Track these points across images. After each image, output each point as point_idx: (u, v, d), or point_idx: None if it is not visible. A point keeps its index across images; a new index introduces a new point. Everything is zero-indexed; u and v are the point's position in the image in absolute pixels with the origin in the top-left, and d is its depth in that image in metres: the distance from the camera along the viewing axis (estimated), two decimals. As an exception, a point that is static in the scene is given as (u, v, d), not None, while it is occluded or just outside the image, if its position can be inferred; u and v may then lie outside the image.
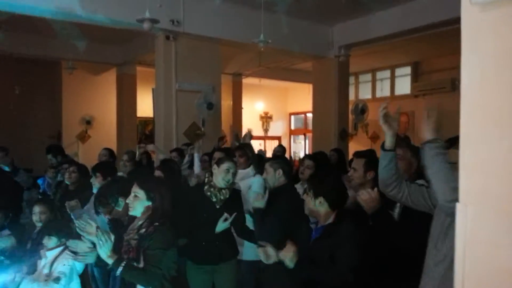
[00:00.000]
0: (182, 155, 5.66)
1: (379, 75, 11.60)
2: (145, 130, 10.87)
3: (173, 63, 6.43)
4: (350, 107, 8.39)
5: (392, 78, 11.27)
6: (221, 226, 3.00)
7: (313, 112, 8.70)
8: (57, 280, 2.66)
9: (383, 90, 11.54)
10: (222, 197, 3.11)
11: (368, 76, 11.79)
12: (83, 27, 6.59)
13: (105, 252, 2.20)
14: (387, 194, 2.23)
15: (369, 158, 2.66)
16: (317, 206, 2.35)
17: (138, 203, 2.44)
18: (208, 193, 3.12)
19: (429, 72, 10.46)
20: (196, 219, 3.11)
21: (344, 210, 2.42)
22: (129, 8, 5.62)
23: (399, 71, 11.13)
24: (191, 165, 5.14)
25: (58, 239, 2.86)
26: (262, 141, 13.63)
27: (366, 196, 2.33)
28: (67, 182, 4.46)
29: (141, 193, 2.44)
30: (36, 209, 3.36)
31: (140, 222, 2.48)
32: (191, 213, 3.14)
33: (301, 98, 13.19)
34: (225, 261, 3.14)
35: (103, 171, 3.62)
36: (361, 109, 8.15)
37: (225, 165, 3.14)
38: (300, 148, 14.24)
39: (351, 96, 9.98)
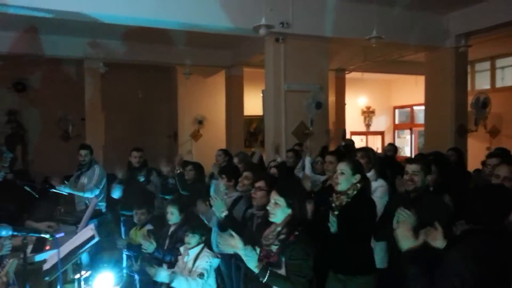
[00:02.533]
0: (297, 155, 5.77)
1: (499, 62, 10.48)
2: (250, 128, 11.27)
3: (282, 64, 6.55)
4: (469, 100, 7.74)
5: (516, 66, 10.13)
6: None
7: (426, 106, 8.21)
8: (201, 276, 2.91)
9: (504, 79, 10.43)
10: (337, 203, 3.00)
11: (486, 65, 10.72)
12: (196, 34, 7.05)
13: (253, 265, 2.35)
14: None
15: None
16: None
17: (279, 210, 2.52)
18: (330, 198, 3.09)
19: (562, 58, 9.19)
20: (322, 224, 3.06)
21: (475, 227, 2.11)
22: (242, 15, 5.87)
23: (524, 58, 9.95)
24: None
25: (200, 236, 3.10)
26: (363, 137, 13.27)
27: None
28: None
29: (281, 200, 2.52)
30: (170, 208, 3.64)
31: (278, 229, 2.57)
32: (317, 217, 3.15)
33: (407, 90, 12.55)
34: (354, 274, 2.94)
35: (228, 173, 3.84)
36: (483, 103, 7.46)
37: (338, 168, 3.07)
38: (405, 143, 13.56)
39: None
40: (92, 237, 2.37)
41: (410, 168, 2.97)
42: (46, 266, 2.37)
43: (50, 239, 2.33)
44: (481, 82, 10.89)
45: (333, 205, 3.02)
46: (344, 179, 2.97)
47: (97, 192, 4.98)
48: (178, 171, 4.83)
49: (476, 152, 7.63)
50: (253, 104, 10.17)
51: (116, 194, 5.05)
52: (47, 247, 3.00)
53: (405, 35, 7.01)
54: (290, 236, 2.46)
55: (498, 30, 7.23)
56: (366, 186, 3.10)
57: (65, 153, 9.85)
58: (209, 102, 10.55)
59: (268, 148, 6.69)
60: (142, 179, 5.05)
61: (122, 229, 4.99)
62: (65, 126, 9.93)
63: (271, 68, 6.64)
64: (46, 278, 2.27)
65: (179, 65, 9.65)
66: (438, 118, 7.71)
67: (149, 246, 3.36)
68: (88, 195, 4.90)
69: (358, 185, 2.99)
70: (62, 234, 2.80)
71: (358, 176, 2.99)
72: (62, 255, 2.24)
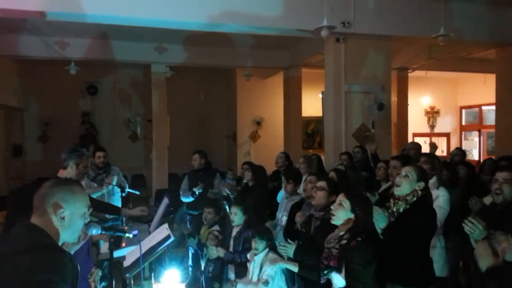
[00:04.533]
0: (351, 158, 5.69)
1: None
2: (307, 129, 11.23)
3: (342, 65, 6.43)
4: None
5: None
6: None
7: (497, 106, 7.71)
8: (266, 283, 2.94)
9: None
10: (395, 209, 2.83)
11: None
12: (255, 37, 7.16)
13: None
14: None
15: None
16: None
17: (341, 212, 2.53)
18: (387, 204, 2.94)
19: None
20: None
21: None
22: (302, 16, 5.87)
23: None
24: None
25: (267, 241, 3.17)
26: (427, 139, 12.70)
27: None
28: (245, 180, 5.02)
29: (346, 204, 2.52)
30: (234, 209, 3.70)
31: (341, 233, 2.57)
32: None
33: (474, 89, 11.87)
34: (412, 285, 2.77)
35: (294, 177, 3.89)
36: (562, 103, 6.89)
37: (403, 170, 2.90)
38: (473, 145, 12.81)
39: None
40: (168, 237, 2.50)
41: (500, 176, 2.71)
42: (126, 263, 2.53)
43: (127, 236, 2.47)
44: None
45: (390, 211, 2.85)
46: (406, 183, 2.79)
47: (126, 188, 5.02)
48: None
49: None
50: (310, 105, 10.13)
51: (185, 199, 5.25)
52: (123, 244, 3.20)
53: (475, 32, 6.63)
54: (352, 241, 2.46)
55: None
56: (428, 196, 2.90)
57: (133, 153, 10.50)
58: (267, 103, 10.66)
59: (329, 151, 6.64)
60: (198, 191, 5.04)
61: (189, 227, 5.20)
62: (133, 127, 10.54)
63: (331, 69, 6.56)
64: (127, 275, 2.43)
65: (238, 67, 9.86)
66: (511, 119, 7.22)
67: (215, 254, 3.49)
68: (124, 193, 4.91)
69: (419, 192, 2.80)
70: (136, 232, 2.98)
71: (422, 184, 2.80)
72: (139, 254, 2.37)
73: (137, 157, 10.46)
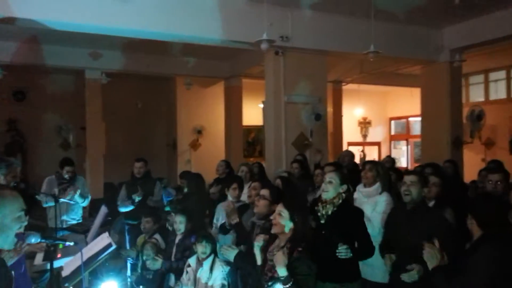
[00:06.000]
0: (303, 166, 5.81)
1: (493, 76, 10.71)
2: (248, 138, 11.37)
3: (281, 77, 6.66)
4: (464, 113, 7.92)
5: (508, 79, 10.34)
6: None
7: (422, 118, 8.37)
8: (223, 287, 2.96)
9: (498, 92, 10.64)
10: (324, 212, 3.04)
11: (480, 78, 10.94)
12: (195, 46, 7.15)
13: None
14: None
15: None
16: (470, 225, 2.38)
17: (281, 222, 2.58)
18: (316, 207, 3.12)
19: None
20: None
21: (496, 231, 2.30)
22: (242, 29, 6.01)
23: (517, 71, 10.17)
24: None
25: (212, 245, 3.17)
26: (360, 147, 13.41)
27: None
28: (186, 190, 5.01)
29: (285, 213, 2.59)
30: (178, 218, 3.68)
31: (282, 244, 2.63)
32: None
33: (402, 102, 12.75)
34: (342, 281, 2.96)
35: (239, 183, 3.95)
36: (477, 116, 7.64)
37: (327, 176, 3.13)
38: (401, 154, 13.73)
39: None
40: (109, 245, 2.43)
41: (408, 179, 3.06)
42: (65, 273, 2.42)
43: (67, 245, 2.37)
44: (475, 94, 11.10)
45: (319, 214, 3.07)
46: (332, 188, 3.05)
47: (89, 199, 4.99)
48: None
49: (471, 164, 7.80)
50: (251, 114, 10.29)
51: (124, 209, 5.09)
52: (59, 255, 3.04)
53: (401, 50, 7.18)
54: (294, 251, 2.52)
55: (491, 45, 7.45)
56: (349, 196, 3.20)
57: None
58: (208, 112, 10.64)
59: (270, 159, 6.79)
60: (137, 199, 4.97)
61: (127, 237, 5.04)
62: (65, 135, 9.98)
63: (271, 80, 6.76)
64: (66, 284, 2.33)
65: (178, 75, 9.77)
66: (434, 130, 7.87)
67: (154, 264, 3.42)
68: (85, 203, 4.88)
69: (343, 194, 3.07)
70: (71, 243, 2.85)
71: (344, 187, 3.08)
72: (80, 262, 2.29)
73: (69, 167, 9.91)
